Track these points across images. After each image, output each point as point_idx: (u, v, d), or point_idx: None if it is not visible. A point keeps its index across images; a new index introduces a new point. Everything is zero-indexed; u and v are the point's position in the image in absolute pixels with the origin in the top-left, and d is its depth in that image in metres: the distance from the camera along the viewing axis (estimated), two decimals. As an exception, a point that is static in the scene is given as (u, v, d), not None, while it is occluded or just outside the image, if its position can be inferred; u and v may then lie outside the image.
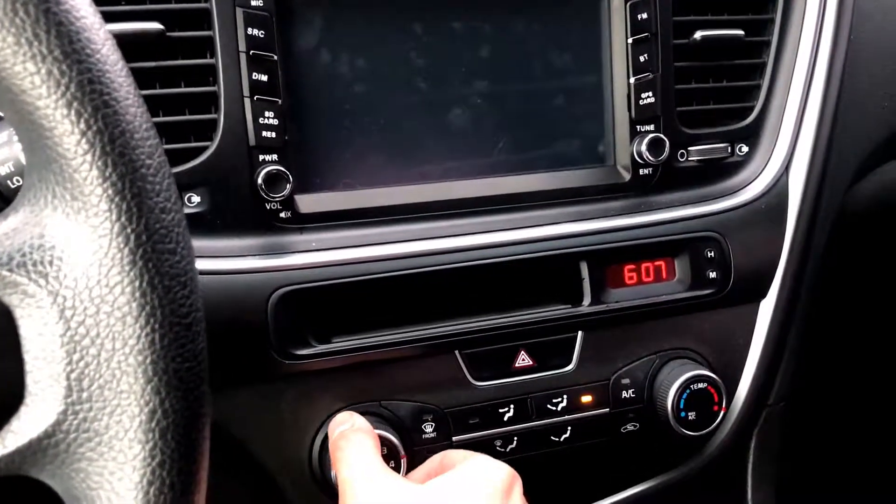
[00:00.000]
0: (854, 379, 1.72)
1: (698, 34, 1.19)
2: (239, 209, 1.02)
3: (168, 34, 0.98)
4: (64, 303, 0.49)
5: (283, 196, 1.01)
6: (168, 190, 0.51)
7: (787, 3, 1.24)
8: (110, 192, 0.49)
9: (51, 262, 0.49)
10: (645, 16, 1.15)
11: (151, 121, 0.52)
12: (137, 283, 0.48)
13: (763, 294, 1.24)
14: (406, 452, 1.02)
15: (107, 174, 0.48)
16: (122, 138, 0.49)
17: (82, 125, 0.48)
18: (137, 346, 0.48)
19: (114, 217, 0.49)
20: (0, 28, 0.46)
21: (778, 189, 1.22)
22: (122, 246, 0.48)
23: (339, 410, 1.04)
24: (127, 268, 0.48)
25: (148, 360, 0.49)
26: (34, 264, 0.49)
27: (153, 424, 0.49)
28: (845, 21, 1.25)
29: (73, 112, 0.48)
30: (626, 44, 1.15)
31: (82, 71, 0.48)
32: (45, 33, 0.47)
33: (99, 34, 0.50)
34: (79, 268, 0.49)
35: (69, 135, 0.48)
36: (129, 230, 0.49)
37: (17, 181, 0.66)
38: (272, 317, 0.99)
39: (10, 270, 0.48)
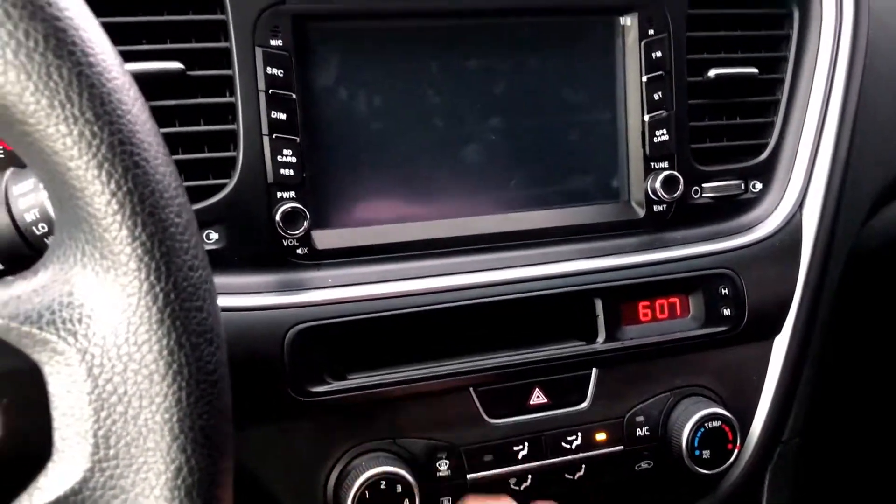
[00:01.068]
0: (869, 415, 1.71)
1: (712, 72, 1.19)
2: (256, 246, 1.03)
3: (188, 73, 0.99)
4: (92, 360, 0.49)
5: (300, 233, 1.02)
6: (196, 247, 0.52)
7: (800, 41, 1.25)
8: (140, 251, 0.49)
9: (80, 320, 0.49)
10: (659, 54, 1.16)
11: (180, 179, 0.53)
12: (165, 342, 0.49)
13: (777, 330, 1.24)
14: (420, 490, 1.02)
15: (136, 234, 0.49)
16: (152, 198, 0.50)
17: (113, 186, 0.49)
18: (164, 403, 0.49)
19: (143, 276, 0.49)
20: (35, 91, 0.47)
21: (792, 226, 1.22)
22: (150, 304, 0.49)
23: (352, 447, 1.04)
24: (155, 326, 0.49)
25: (175, 419, 0.49)
26: (63, 322, 0.49)
27: (179, 482, 0.49)
28: (859, 59, 1.25)
29: (103, 173, 0.48)
30: (641, 81, 1.16)
31: (113, 132, 0.49)
32: (77, 95, 0.48)
33: (129, 94, 0.51)
34: (107, 326, 0.49)
35: (99, 195, 0.49)
36: (157, 289, 0.49)
37: (43, 227, 0.66)
38: (288, 353, 1.00)
39: (41, 328, 0.49)
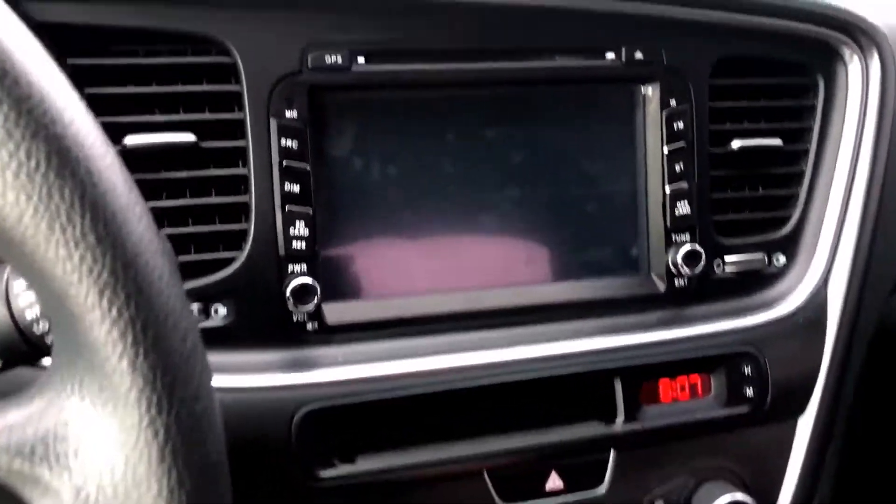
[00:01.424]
0: None
1: (735, 143, 1.16)
2: (265, 321, 1.00)
3: (201, 144, 0.96)
4: (87, 499, 0.46)
5: (310, 308, 0.99)
6: (200, 375, 0.49)
7: (825, 111, 1.22)
8: (140, 382, 0.46)
9: (75, 455, 0.46)
10: (681, 125, 1.13)
11: (187, 300, 0.50)
12: (165, 481, 0.46)
13: (801, 410, 1.20)
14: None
15: (137, 364, 0.46)
16: (155, 326, 0.47)
17: (114, 313, 0.46)
18: (164, 546, 0.46)
19: (143, 409, 0.46)
20: (34, 213, 0.45)
21: (817, 302, 1.19)
22: (150, 440, 0.46)
23: (361, 532, 1.01)
24: (155, 463, 0.46)
25: (174, 563, 0.46)
26: (57, 458, 0.46)
27: None
28: (885, 129, 1.22)
29: (104, 300, 0.46)
30: (662, 152, 1.13)
31: (116, 256, 0.46)
32: (79, 217, 0.45)
33: (135, 212, 0.48)
34: (104, 462, 0.46)
35: (99, 323, 0.46)
36: (158, 423, 0.46)
37: (44, 325, 0.64)
38: (296, 436, 0.96)
39: (33, 463, 0.46)
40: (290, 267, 0.99)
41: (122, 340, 0.46)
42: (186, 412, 0.47)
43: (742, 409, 1.14)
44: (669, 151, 1.13)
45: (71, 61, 0.92)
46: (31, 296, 0.64)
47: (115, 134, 0.93)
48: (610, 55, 1.10)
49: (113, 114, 0.94)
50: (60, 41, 0.91)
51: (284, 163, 0.98)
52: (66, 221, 0.45)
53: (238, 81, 0.97)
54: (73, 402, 0.47)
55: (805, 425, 1.20)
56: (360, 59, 1.00)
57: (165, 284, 0.48)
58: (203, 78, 0.97)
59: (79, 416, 0.47)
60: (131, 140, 0.93)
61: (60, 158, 0.45)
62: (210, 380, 0.50)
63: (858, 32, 1.16)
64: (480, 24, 1.05)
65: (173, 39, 0.95)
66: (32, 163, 0.44)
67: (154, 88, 0.95)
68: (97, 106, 0.91)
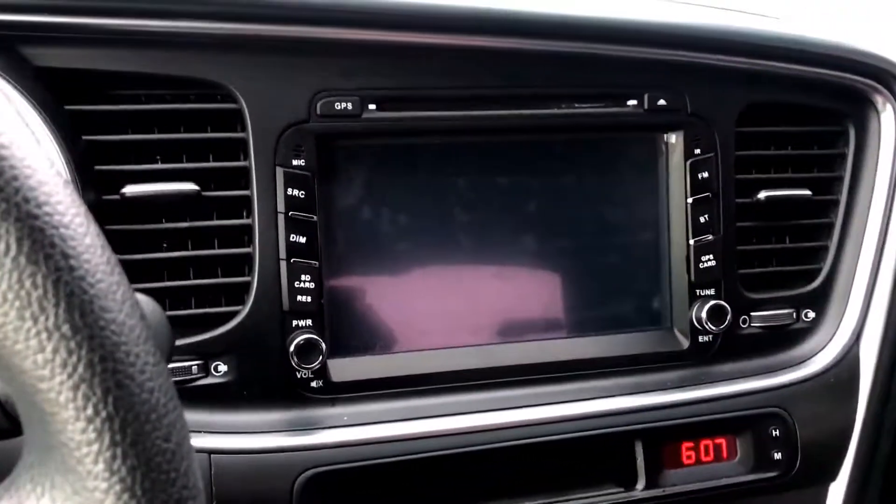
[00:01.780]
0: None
1: (763, 194, 1.12)
2: (267, 379, 0.95)
3: (204, 194, 0.92)
4: None
5: (315, 365, 0.94)
6: (186, 475, 0.44)
7: (857, 160, 1.17)
8: (118, 488, 0.41)
9: (43, 570, 0.42)
10: (706, 175, 1.08)
11: (173, 389, 0.45)
12: None
13: (833, 476, 1.14)
14: None
15: (115, 468, 0.41)
16: (136, 424, 0.42)
17: (89, 411, 0.41)
18: None
19: (119, 517, 0.41)
20: (3, 302, 0.40)
21: (849, 360, 1.13)
22: (126, 552, 0.41)
23: None
24: (131, 581, 0.41)
25: None
26: (22, 574, 0.41)
27: None
28: (919, 179, 1.17)
29: (79, 396, 0.41)
30: (686, 203, 1.08)
31: (93, 347, 0.41)
32: (53, 306, 0.41)
33: (116, 298, 0.43)
34: (75, 577, 0.41)
35: (73, 422, 0.41)
36: (136, 533, 0.42)
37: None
38: (298, 500, 0.91)
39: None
40: (294, 322, 0.95)
41: (99, 441, 0.41)
42: (168, 520, 0.42)
43: (770, 474, 1.08)
44: (694, 202, 1.08)
45: (69, 108, 0.88)
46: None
47: (114, 183, 0.89)
48: (632, 102, 1.05)
49: (112, 162, 0.90)
50: (59, 87, 0.88)
51: (290, 213, 0.94)
52: (39, 311, 0.41)
53: (244, 129, 0.93)
54: (44, 505, 0.43)
55: (837, 492, 1.14)
56: (371, 106, 0.96)
57: (148, 377, 0.43)
58: (207, 125, 0.94)
59: (48, 524, 0.43)
60: (131, 189, 0.89)
61: (33, 241, 0.40)
62: (198, 478, 0.45)
63: (891, 79, 1.12)
64: (497, 70, 1.01)
65: (176, 85, 0.92)
66: (1, 246, 0.40)
67: (156, 136, 0.92)
68: (96, 154, 0.89)
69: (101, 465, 0.42)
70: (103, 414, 0.42)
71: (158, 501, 0.43)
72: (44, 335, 0.41)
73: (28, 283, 0.40)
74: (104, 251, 0.44)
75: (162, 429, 0.43)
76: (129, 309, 0.44)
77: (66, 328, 0.41)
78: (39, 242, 0.41)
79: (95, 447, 0.42)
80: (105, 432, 0.42)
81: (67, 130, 0.87)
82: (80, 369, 0.41)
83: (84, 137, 0.88)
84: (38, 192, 0.41)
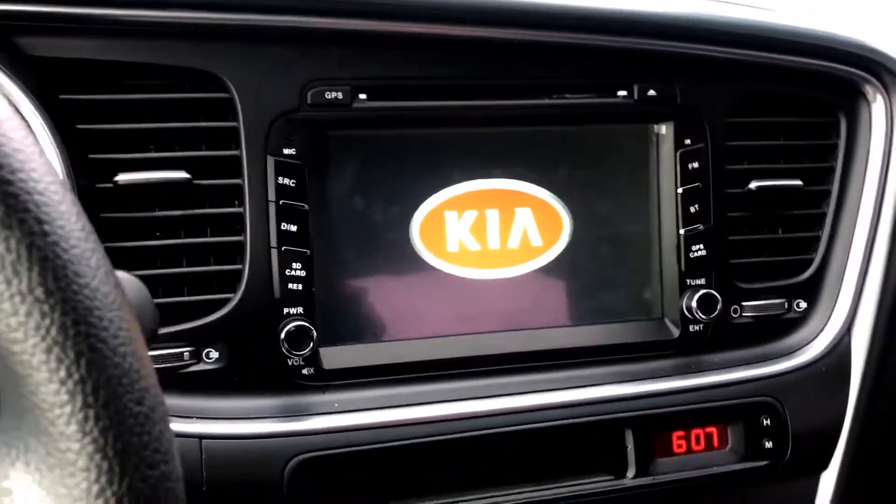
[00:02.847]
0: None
1: (753, 184, 1.12)
2: (259, 365, 0.96)
3: (195, 182, 0.93)
4: (28, 579, 0.42)
5: (306, 352, 0.95)
6: (158, 440, 0.45)
7: (848, 151, 1.17)
8: (90, 448, 0.42)
9: (17, 529, 0.43)
10: (696, 165, 1.09)
11: (147, 356, 0.46)
12: (114, 559, 0.42)
13: (824, 465, 1.14)
14: None
15: (87, 429, 0.42)
16: (108, 387, 0.43)
17: (62, 373, 0.42)
18: None
19: (92, 477, 0.42)
20: (-24, 266, 0.41)
21: (840, 350, 1.13)
22: (99, 512, 0.42)
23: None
24: (103, 539, 0.42)
25: None
26: (-2, 531, 0.42)
27: None
28: (912, 169, 1.17)
29: (52, 358, 0.42)
30: (676, 193, 1.09)
31: (66, 311, 0.42)
32: (26, 270, 0.42)
33: (90, 263, 0.44)
34: (48, 537, 0.42)
35: (46, 384, 0.42)
36: (108, 493, 0.42)
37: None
38: (288, 485, 0.92)
39: (-30, 538, 0.42)
40: (286, 309, 0.96)
41: (71, 403, 0.42)
42: (140, 480, 0.43)
43: (760, 463, 1.08)
44: (684, 192, 1.08)
45: (63, 97, 0.89)
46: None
47: (107, 171, 0.91)
48: (622, 93, 1.06)
49: (105, 150, 0.91)
50: (53, 76, 0.89)
51: (281, 201, 0.95)
52: (12, 274, 0.42)
53: (235, 118, 0.94)
54: (18, 468, 0.44)
55: (828, 481, 1.14)
56: (362, 96, 0.97)
57: (121, 342, 0.44)
58: (199, 114, 0.95)
59: (23, 486, 0.43)
60: (123, 177, 0.91)
61: (7, 206, 0.41)
62: (171, 444, 0.46)
63: (882, 70, 1.12)
64: (487, 60, 1.02)
65: (168, 75, 0.93)
66: (-25, 211, 0.41)
67: (148, 125, 0.93)
68: (90, 142, 0.90)
69: (73, 427, 0.43)
70: (76, 376, 0.43)
71: (130, 463, 0.44)
72: (17, 298, 0.42)
73: (1, 247, 0.41)
74: (79, 219, 0.45)
75: (134, 392, 0.44)
76: (104, 276, 0.45)
77: (39, 291, 0.42)
78: (13, 207, 0.42)
79: (68, 409, 0.43)
80: (77, 394, 0.43)
81: (62, 119, 0.88)
82: (53, 332, 0.42)
83: (78, 126, 0.90)
84: (12, 158, 0.42)
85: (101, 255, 0.46)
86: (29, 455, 0.44)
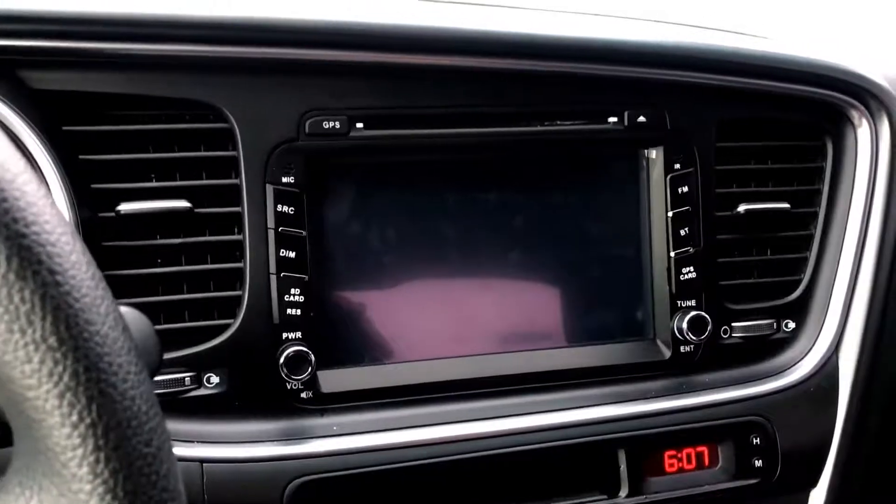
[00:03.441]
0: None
1: (742, 207, 1.15)
2: (258, 389, 0.98)
3: (196, 210, 0.96)
4: None
5: (305, 377, 0.97)
6: (166, 478, 0.47)
7: (834, 174, 1.20)
8: (101, 489, 0.44)
9: (31, 569, 0.44)
10: (686, 189, 1.11)
11: (154, 397, 0.48)
12: None
13: (813, 483, 1.16)
14: None
15: (98, 471, 0.44)
16: (118, 430, 0.45)
17: (74, 417, 0.44)
18: None
19: (102, 519, 0.44)
20: (-7, 316, 0.43)
21: (828, 369, 1.16)
22: (110, 551, 0.44)
23: None
24: (114, 577, 0.44)
25: None
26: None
27: None
28: (896, 191, 1.20)
29: (64, 404, 0.44)
30: (667, 216, 1.11)
31: (78, 358, 0.44)
32: (40, 320, 0.44)
33: (100, 311, 0.46)
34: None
35: (59, 428, 0.44)
36: (119, 532, 0.44)
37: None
38: (288, 508, 0.94)
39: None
40: (285, 334, 0.98)
41: (83, 446, 0.44)
42: (150, 521, 0.45)
43: (751, 481, 1.11)
44: (674, 215, 1.11)
45: (66, 128, 0.91)
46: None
47: (110, 201, 0.93)
48: (612, 119, 1.08)
49: (108, 180, 0.93)
50: (56, 109, 0.91)
51: (280, 229, 0.97)
52: (27, 324, 0.44)
53: (235, 147, 0.96)
54: (31, 509, 0.46)
55: (818, 498, 1.16)
56: (359, 125, 1.00)
57: (130, 385, 0.46)
58: (200, 144, 0.97)
59: (36, 525, 0.45)
60: (126, 207, 0.93)
61: (21, 259, 0.44)
62: (178, 480, 0.48)
63: (867, 95, 1.14)
64: (481, 89, 1.05)
65: (170, 106, 0.95)
66: (-9, 263, 0.43)
67: (150, 155, 0.95)
68: (92, 173, 0.92)
69: (85, 469, 0.45)
70: (87, 420, 0.44)
71: (140, 502, 0.46)
72: (31, 347, 0.44)
73: (17, 298, 0.43)
74: (89, 267, 0.47)
75: (143, 434, 0.46)
76: (113, 321, 0.47)
77: (52, 340, 0.44)
78: (27, 260, 0.44)
79: (80, 451, 0.44)
80: (89, 437, 0.44)
81: (64, 150, 0.90)
82: (66, 378, 0.44)
83: (81, 157, 0.92)
84: (26, 212, 0.44)
85: (110, 302, 0.48)
86: (42, 495, 0.46)
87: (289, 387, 0.98)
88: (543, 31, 1.03)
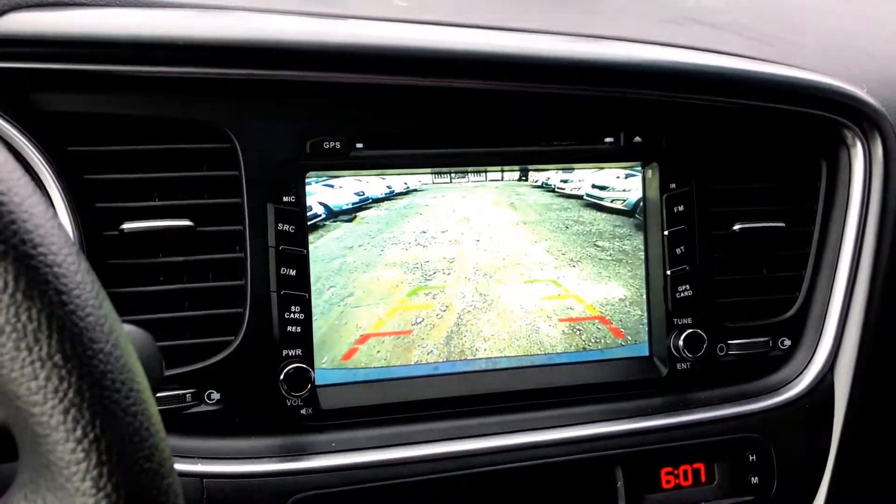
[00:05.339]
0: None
1: (738, 226, 1.16)
2: (259, 406, 0.99)
3: (198, 229, 0.97)
4: None
5: (304, 393, 0.98)
6: (166, 493, 0.48)
7: (829, 193, 1.21)
8: (103, 503, 0.46)
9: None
10: (682, 208, 1.13)
11: (157, 413, 0.49)
12: None
13: (809, 500, 1.16)
14: None
15: (101, 485, 0.45)
16: (121, 445, 0.46)
17: (78, 433, 0.45)
18: None
19: (105, 532, 0.46)
20: (0, 334, 0.44)
21: (823, 387, 1.16)
22: (112, 564, 0.45)
23: None
24: None
25: None
26: (16, 584, 0.45)
27: None
28: (890, 211, 1.20)
29: (69, 419, 0.45)
30: (663, 235, 1.12)
31: (82, 375, 0.46)
32: (46, 338, 0.45)
33: (104, 329, 0.48)
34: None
35: (63, 443, 0.45)
36: (121, 546, 0.46)
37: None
38: (287, 524, 0.95)
39: None
40: (285, 351, 0.99)
41: (86, 461, 0.46)
42: (152, 534, 0.46)
43: (747, 498, 1.11)
44: (670, 234, 1.12)
45: (72, 148, 0.93)
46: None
47: (113, 219, 0.94)
48: (608, 139, 1.10)
49: (112, 199, 0.95)
50: (62, 129, 0.93)
51: (281, 247, 0.99)
52: (33, 342, 0.45)
53: (236, 167, 0.98)
54: (35, 523, 0.47)
55: (813, 515, 1.17)
56: (359, 145, 1.01)
57: (133, 402, 0.48)
58: (201, 163, 0.98)
59: (40, 539, 0.47)
60: (129, 226, 0.94)
61: (29, 279, 0.45)
62: (179, 495, 0.49)
63: (860, 116, 1.15)
64: (478, 110, 1.06)
65: (173, 126, 0.96)
66: (0, 283, 0.44)
67: (153, 174, 0.96)
68: (96, 191, 0.93)
69: (88, 483, 0.46)
70: (91, 436, 0.46)
71: (141, 518, 0.47)
72: (37, 364, 0.45)
73: (24, 317, 0.45)
74: (93, 286, 0.48)
75: (145, 450, 0.48)
76: (116, 340, 0.48)
77: (57, 358, 0.45)
78: (34, 280, 0.45)
79: (83, 466, 0.46)
80: (92, 452, 0.46)
81: (70, 170, 0.92)
82: (71, 395, 0.45)
83: (85, 176, 0.93)
84: (34, 234, 0.46)
85: (114, 320, 0.49)
86: (47, 509, 0.47)
87: (289, 403, 0.99)
88: (540, 53, 1.05)
